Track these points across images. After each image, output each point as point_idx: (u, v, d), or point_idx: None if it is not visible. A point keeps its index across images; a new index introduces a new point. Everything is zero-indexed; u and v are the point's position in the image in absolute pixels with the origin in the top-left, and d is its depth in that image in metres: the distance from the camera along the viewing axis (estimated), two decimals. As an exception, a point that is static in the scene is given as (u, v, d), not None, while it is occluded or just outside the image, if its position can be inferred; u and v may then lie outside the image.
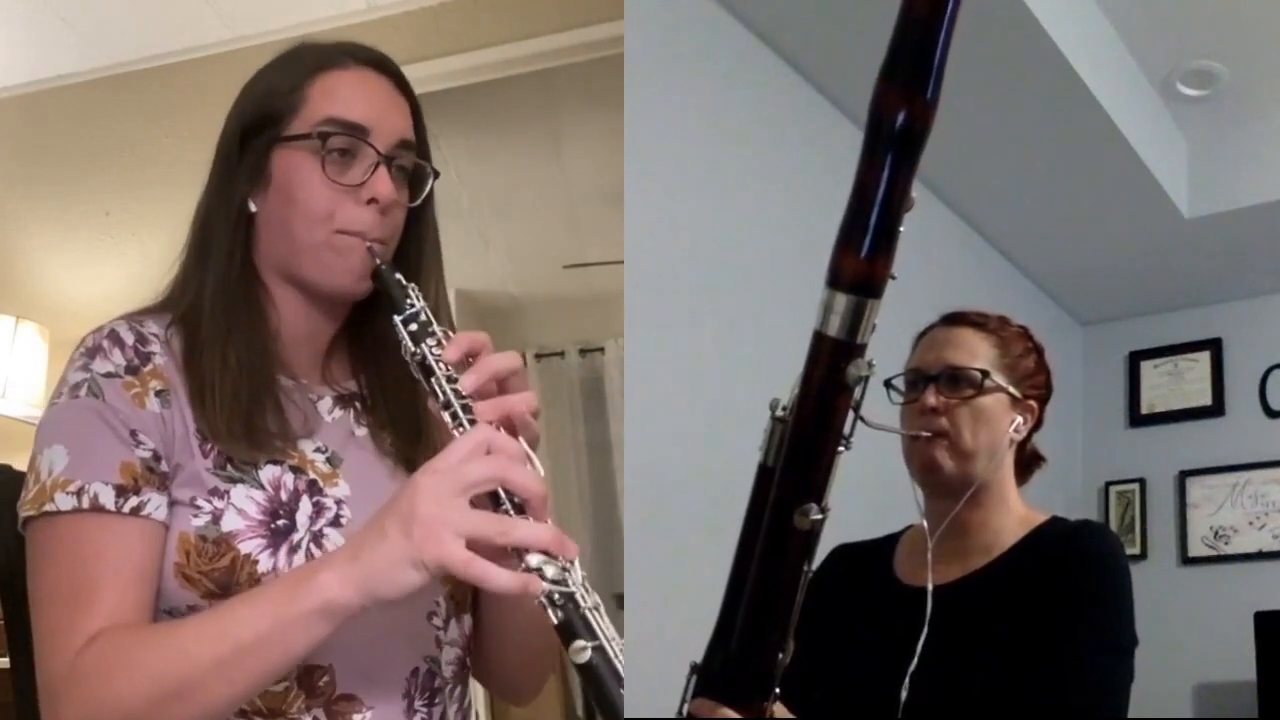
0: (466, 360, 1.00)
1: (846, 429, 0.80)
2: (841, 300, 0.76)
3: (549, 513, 0.94)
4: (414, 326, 1.03)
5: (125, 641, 0.96)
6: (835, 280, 0.76)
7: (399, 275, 1.07)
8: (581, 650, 0.87)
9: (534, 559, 0.90)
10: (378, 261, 1.08)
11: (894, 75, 0.71)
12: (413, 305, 1.04)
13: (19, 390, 2.91)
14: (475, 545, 0.90)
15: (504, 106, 3.41)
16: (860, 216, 0.74)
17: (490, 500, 0.93)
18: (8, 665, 1.17)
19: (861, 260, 0.74)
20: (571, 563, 0.91)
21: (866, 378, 0.78)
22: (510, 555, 0.91)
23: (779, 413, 0.85)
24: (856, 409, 0.80)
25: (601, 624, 0.89)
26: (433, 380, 1.00)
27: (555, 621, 0.89)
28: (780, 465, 0.82)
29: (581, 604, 0.89)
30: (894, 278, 0.75)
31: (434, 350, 1.01)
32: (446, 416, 0.99)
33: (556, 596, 0.89)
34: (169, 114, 3.08)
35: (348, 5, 2.85)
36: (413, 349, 1.02)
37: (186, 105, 3.04)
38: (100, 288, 3.12)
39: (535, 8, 2.87)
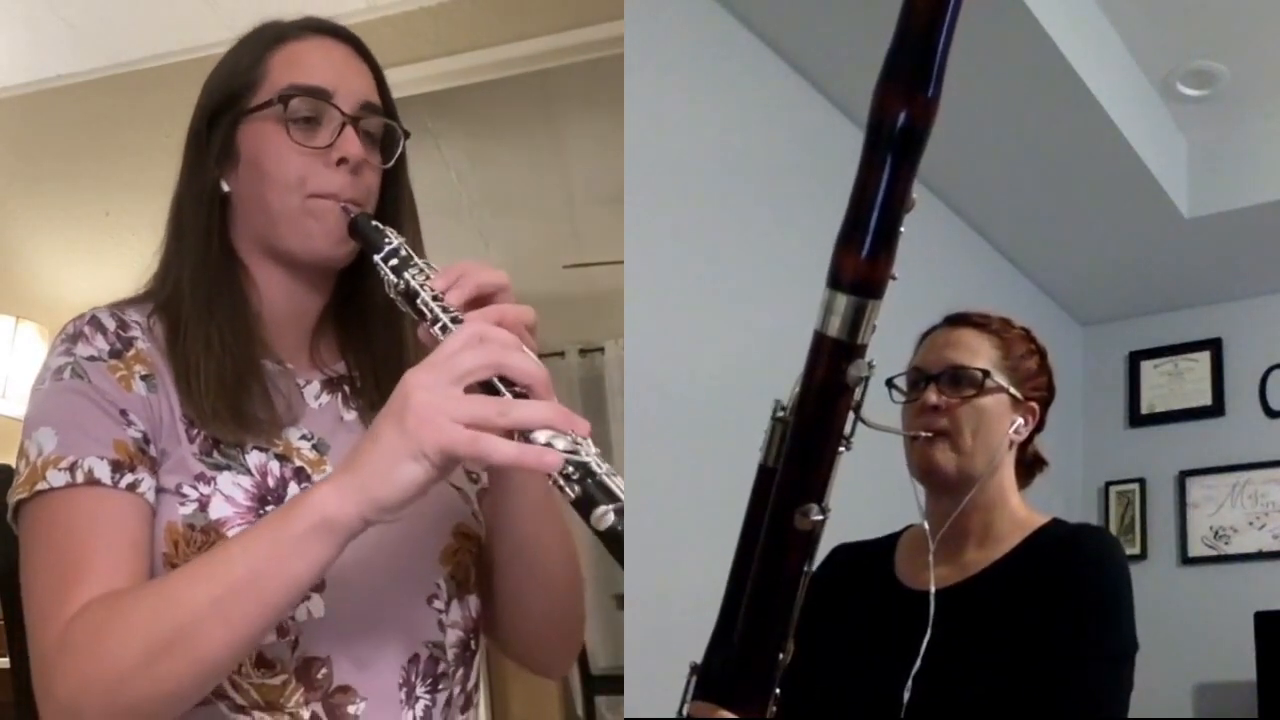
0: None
1: (847, 429, 0.80)
2: (842, 300, 0.76)
3: (553, 400, 0.89)
4: (394, 261, 1.01)
5: (114, 601, 0.91)
6: (836, 280, 0.76)
7: (375, 222, 1.05)
8: (604, 515, 0.82)
9: (542, 436, 0.85)
10: (353, 214, 1.06)
11: (895, 74, 0.71)
12: (390, 242, 1.02)
13: (19, 390, 2.91)
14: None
15: (504, 106, 3.41)
16: (861, 216, 0.73)
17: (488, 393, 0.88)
18: (8, 665, 1.16)
19: (862, 261, 0.74)
20: (584, 437, 0.85)
21: (867, 378, 0.78)
22: (515, 439, 0.85)
23: (779, 413, 0.85)
24: (857, 409, 0.80)
25: (622, 489, 0.83)
26: (419, 302, 0.97)
27: (573, 496, 0.83)
28: (781, 466, 0.82)
29: (598, 472, 0.83)
30: (895, 278, 0.75)
31: (417, 277, 0.99)
32: (437, 331, 0.94)
33: (571, 470, 0.83)
34: (169, 114, 3.04)
35: (347, 5, 2.85)
36: (395, 280, 1.00)
37: (187, 105, 3.02)
38: (100, 288, 3.09)
39: (535, 8, 2.87)
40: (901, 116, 0.71)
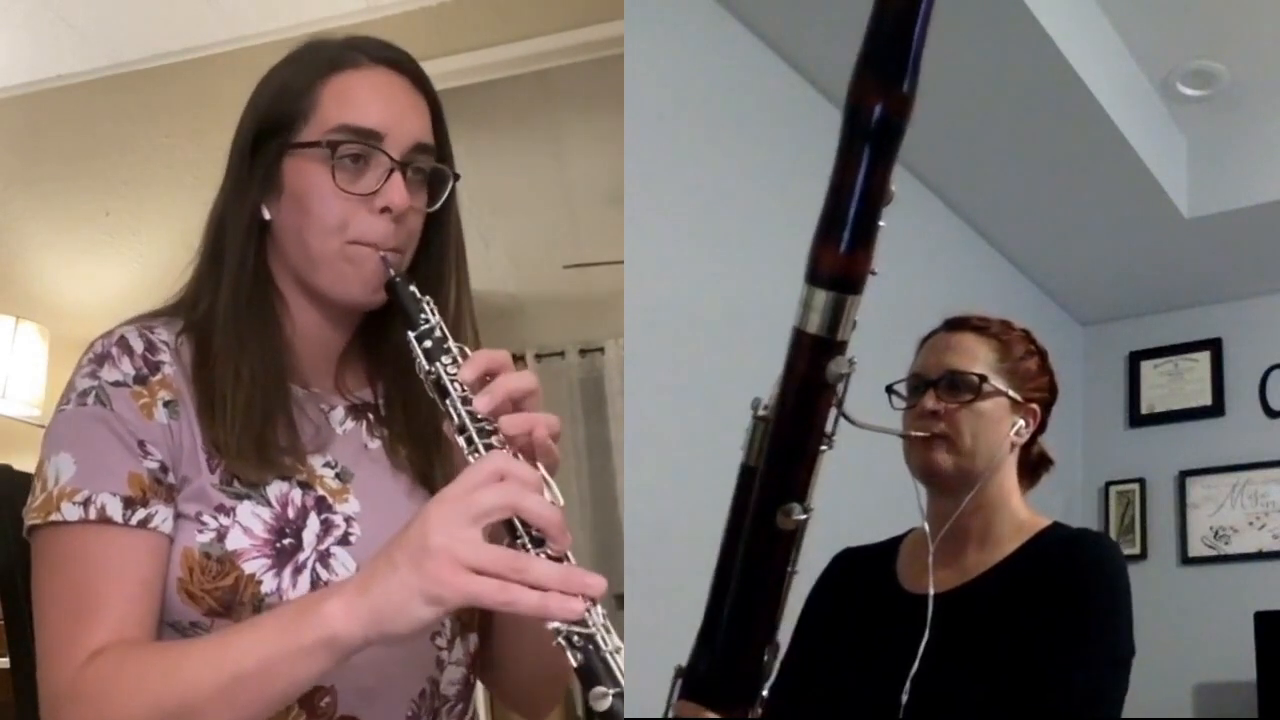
0: (484, 379, 0.96)
1: (829, 428, 0.79)
2: (821, 296, 0.75)
3: (569, 542, 0.91)
4: (428, 343, 0.99)
5: (128, 661, 0.94)
6: (814, 276, 0.75)
7: (413, 288, 1.03)
8: (603, 697, 0.84)
9: None
10: (391, 273, 1.04)
11: (870, 67, 0.71)
12: (427, 320, 1.00)
13: (19, 390, 2.91)
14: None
15: (504, 106, 3.41)
16: (838, 211, 0.73)
17: (507, 530, 0.90)
18: (8, 665, 1.17)
19: (840, 255, 0.73)
20: (594, 602, 0.87)
21: (847, 375, 0.77)
22: None
23: (761, 411, 0.84)
24: (839, 407, 0.79)
25: (621, 667, 0.86)
26: (447, 402, 0.97)
27: (575, 664, 0.86)
28: (762, 465, 0.81)
29: (603, 647, 0.86)
30: (874, 273, 0.75)
31: (449, 369, 0.98)
32: (461, 441, 0.95)
33: (576, 638, 0.86)
34: (169, 114, 3.08)
35: (347, 5, 2.86)
36: (427, 368, 0.99)
37: (186, 105, 3.05)
38: (100, 288, 3.13)
39: (535, 8, 2.87)
40: (878, 109, 0.70)
